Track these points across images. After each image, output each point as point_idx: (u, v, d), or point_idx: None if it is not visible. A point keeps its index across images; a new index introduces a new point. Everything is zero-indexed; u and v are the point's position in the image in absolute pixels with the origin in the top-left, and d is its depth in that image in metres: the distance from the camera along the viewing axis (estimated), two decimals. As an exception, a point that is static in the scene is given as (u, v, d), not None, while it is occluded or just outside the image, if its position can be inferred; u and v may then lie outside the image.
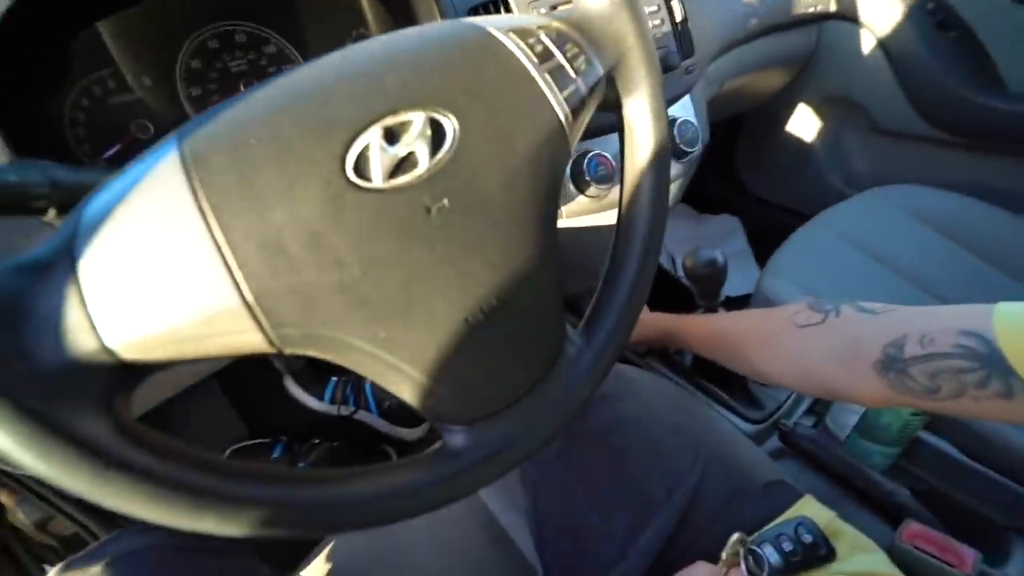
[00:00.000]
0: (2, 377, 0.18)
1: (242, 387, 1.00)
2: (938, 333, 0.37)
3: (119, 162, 0.27)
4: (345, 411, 0.94)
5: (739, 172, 1.39)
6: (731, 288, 1.18)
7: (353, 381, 0.96)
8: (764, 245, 1.07)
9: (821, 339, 0.44)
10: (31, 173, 0.29)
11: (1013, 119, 0.91)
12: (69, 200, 0.29)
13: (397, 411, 0.95)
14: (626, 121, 0.35)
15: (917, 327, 0.38)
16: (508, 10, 0.55)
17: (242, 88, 0.49)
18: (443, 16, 0.55)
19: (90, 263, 0.20)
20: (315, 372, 0.96)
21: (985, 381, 0.34)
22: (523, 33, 0.29)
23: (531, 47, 0.29)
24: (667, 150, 0.35)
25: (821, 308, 0.45)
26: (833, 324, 0.44)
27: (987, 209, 0.91)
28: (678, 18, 0.67)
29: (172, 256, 0.21)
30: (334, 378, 0.96)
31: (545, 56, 0.29)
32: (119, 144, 0.54)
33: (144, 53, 0.53)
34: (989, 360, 0.34)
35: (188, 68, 0.55)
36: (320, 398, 0.94)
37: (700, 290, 0.68)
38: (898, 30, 0.99)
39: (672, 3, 0.67)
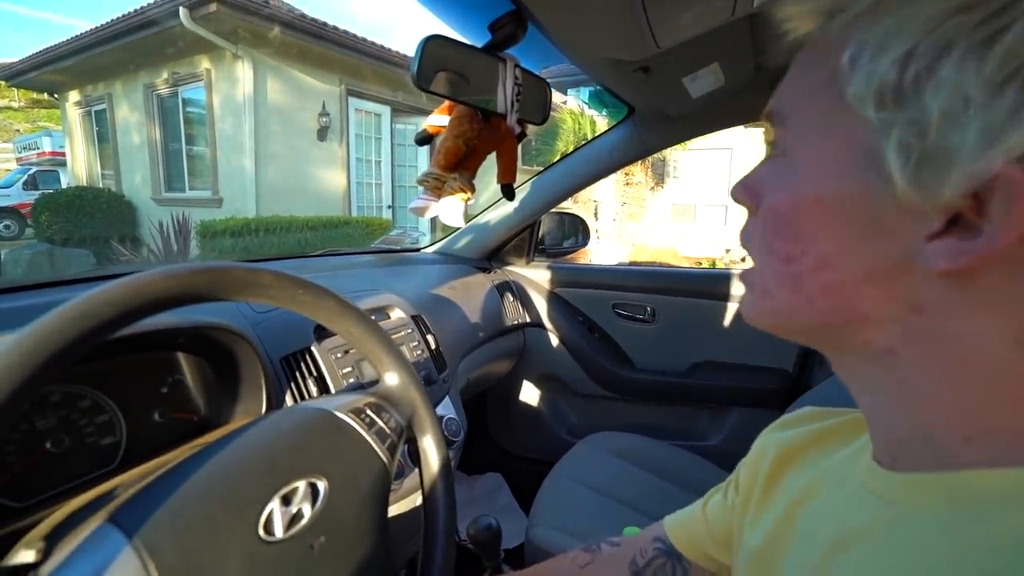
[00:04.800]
0: None
1: None
2: (645, 544, 0.59)
3: None
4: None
5: (493, 436, 1.69)
6: (505, 541, 1.33)
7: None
8: (525, 493, 1.29)
9: (597, 572, 0.61)
10: None
11: (642, 383, 1.44)
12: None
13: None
14: (421, 449, 0.53)
15: (637, 545, 0.59)
16: (315, 361, 0.74)
17: (49, 446, 0.53)
18: (261, 361, 0.69)
19: None
20: None
21: (674, 567, 0.56)
22: (356, 411, 0.47)
23: (362, 420, 0.47)
24: (449, 463, 0.54)
25: (589, 549, 0.63)
26: (599, 559, 0.61)
27: (652, 442, 1.34)
28: (432, 347, 0.96)
29: None
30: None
31: (371, 424, 0.47)
32: None
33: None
34: (670, 552, 0.56)
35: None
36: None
37: (484, 552, 0.83)
38: (568, 333, 1.53)
39: (427, 337, 0.97)
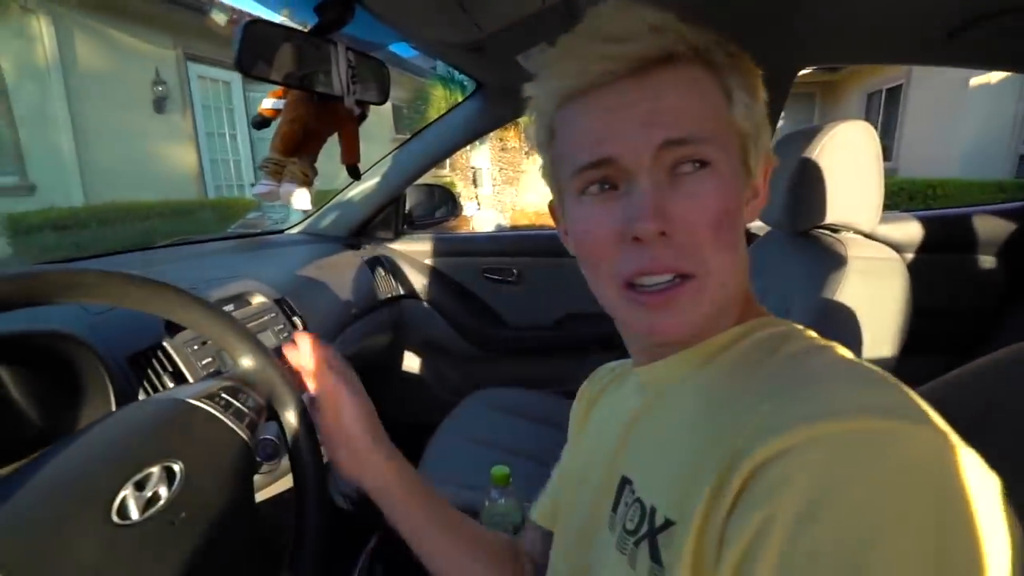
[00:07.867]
0: None
1: None
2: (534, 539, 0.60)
3: None
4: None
5: (380, 407, 1.72)
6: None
7: None
8: (415, 457, 1.34)
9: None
10: None
11: (514, 340, 1.57)
12: None
13: None
14: (285, 423, 0.57)
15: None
16: (168, 356, 0.72)
17: None
18: (103, 362, 0.66)
19: None
20: None
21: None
22: (210, 396, 0.49)
23: (217, 403, 0.49)
24: (312, 430, 0.58)
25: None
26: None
27: (527, 393, 1.47)
28: (300, 329, 0.97)
29: None
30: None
31: (228, 406, 0.49)
32: None
33: None
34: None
35: None
36: None
37: (363, 513, 0.88)
38: (442, 300, 1.60)
39: (294, 319, 0.97)
